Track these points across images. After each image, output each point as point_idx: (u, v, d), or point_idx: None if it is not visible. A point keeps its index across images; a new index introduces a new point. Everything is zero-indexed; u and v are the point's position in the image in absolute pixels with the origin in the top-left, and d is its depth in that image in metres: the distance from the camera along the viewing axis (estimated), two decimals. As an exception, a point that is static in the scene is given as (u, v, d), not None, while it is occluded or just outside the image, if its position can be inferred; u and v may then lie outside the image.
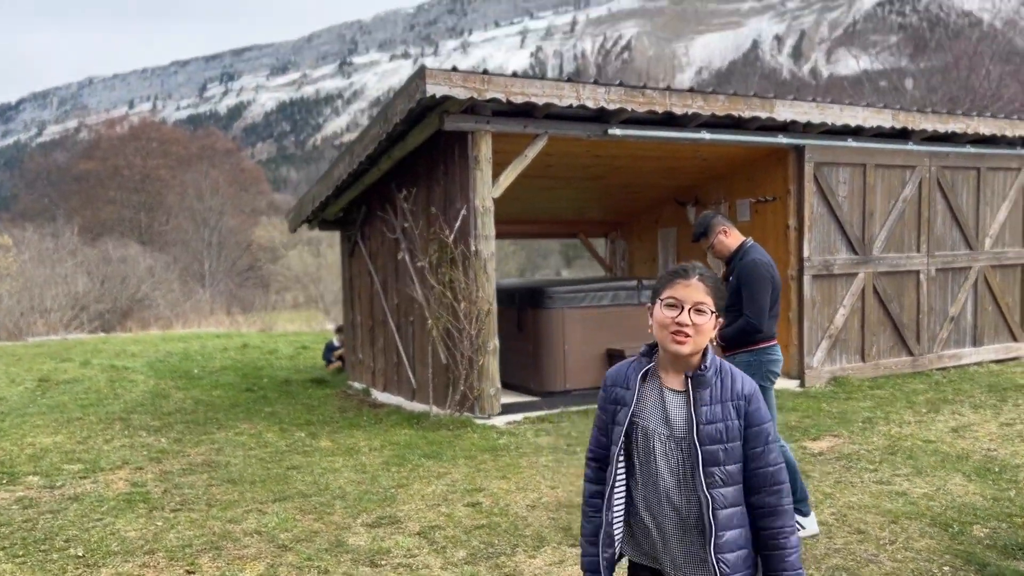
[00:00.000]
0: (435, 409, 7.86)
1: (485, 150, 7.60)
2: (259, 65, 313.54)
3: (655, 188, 11.00)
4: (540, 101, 7.38)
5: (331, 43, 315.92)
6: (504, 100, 7.23)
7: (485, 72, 7.17)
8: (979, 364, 10.66)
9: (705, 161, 9.86)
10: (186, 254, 50.99)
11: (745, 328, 4.69)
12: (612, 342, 8.97)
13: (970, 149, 10.44)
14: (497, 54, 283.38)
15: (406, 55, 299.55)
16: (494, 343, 7.66)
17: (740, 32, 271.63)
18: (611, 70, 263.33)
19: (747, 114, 8.51)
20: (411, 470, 6.29)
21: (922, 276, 10.20)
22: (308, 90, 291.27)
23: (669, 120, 8.44)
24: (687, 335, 2.11)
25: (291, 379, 10.52)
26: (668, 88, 8.14)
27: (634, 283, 9.15)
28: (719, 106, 8.35)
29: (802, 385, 9.33)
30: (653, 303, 2.20)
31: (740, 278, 4.73)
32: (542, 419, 7.79)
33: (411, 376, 8.74)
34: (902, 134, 9.91)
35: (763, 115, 8.63)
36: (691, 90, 8.27)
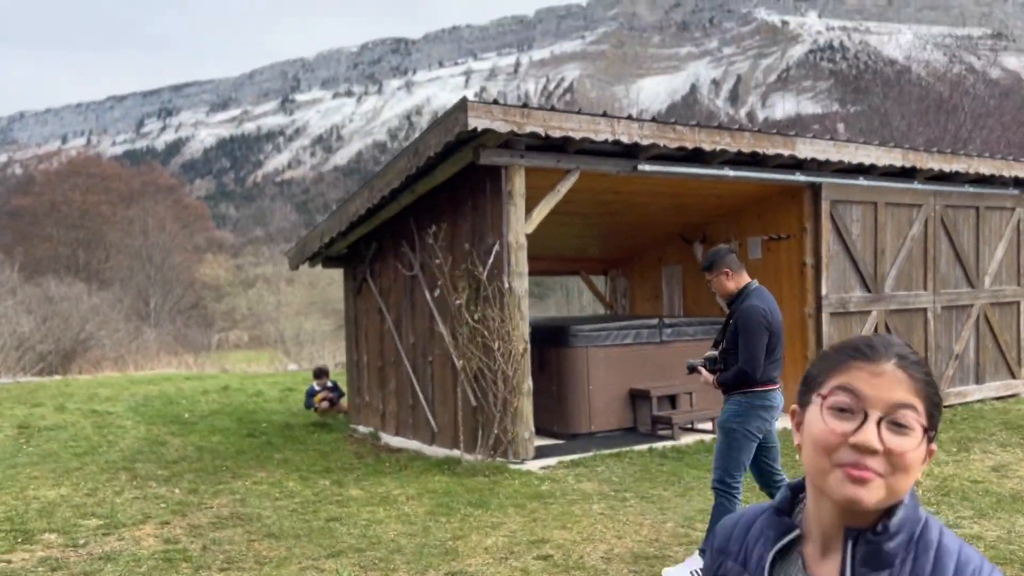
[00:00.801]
0: (465, 455, 7.52)
1: (519, 185, 7.39)
2: (199, 101, 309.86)
3: (661, 225, 10.91)
4: (577, 135, 7.21)
5: (273, 80, 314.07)
6: (543, 134, 7.04)
7: (524, 105, 6.99)
8: (982, 401, 10.72)
9: (719, 199, 9.81)
10: (130, 292, 49.49)
11: (739, 376, 4.68)
12: (635, 382, 8.76)
13: (968, 188, 10.59)
14: (441, 94, 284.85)
15: (349, 93, 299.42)
16: (528, 384, 7.39)
17: (679, 76, 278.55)
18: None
19: (771, 151, 8.47)
20: (461, 520, 5.95)
21: (929, 314, 10.25)
22: (249, 127, 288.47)
23: (693, 156, 8.35)
24: (874, 472, 1.10)
25: (291, 423, 10.04)
26: (697, 124, 8.06)
27: (655, 321, 8.97)
28: (745, 143, 8.29)
29: (821, 424, 9.20)
30: (804, 400, 1.21)
31: (738, 323, 4.73)
32: (576, 463, 7.51)
33: (431, 419, 8.38)
34: (906, 173, 9.99)
35: (785, 152, 8.60)
36: (719, 126, 8.20)
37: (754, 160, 8.77)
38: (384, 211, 8.55)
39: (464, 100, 6.74)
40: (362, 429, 9.74)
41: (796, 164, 9.14)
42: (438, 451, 8.25)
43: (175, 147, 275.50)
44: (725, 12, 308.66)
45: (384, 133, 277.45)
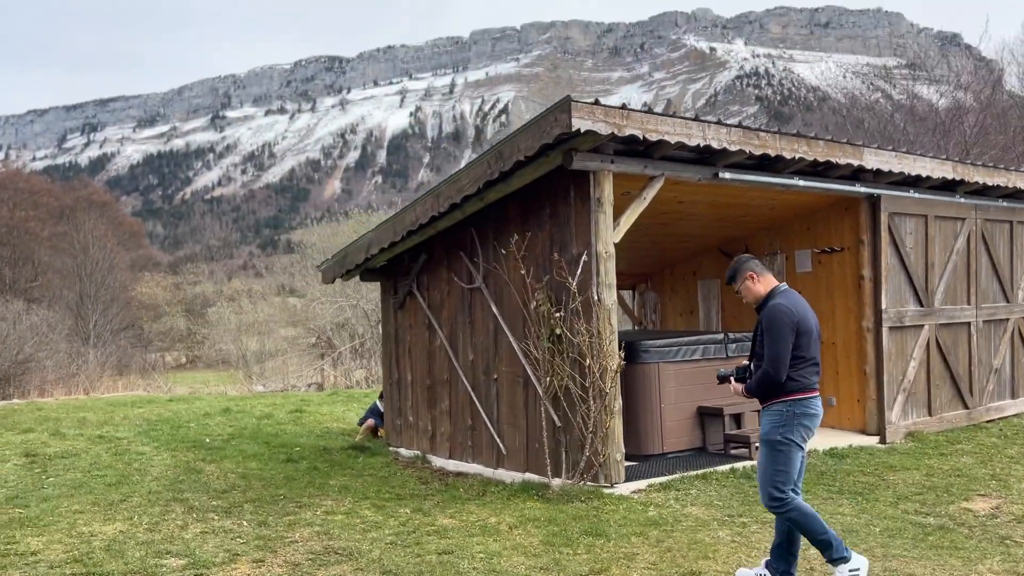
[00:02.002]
0: (553, 479, 7.03)
1: (608, 191, 7.00)
2: (125, 116, 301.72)
3: (701, 237, 10.63)
4: (672, 140, 6.86)
5: (203, 96, 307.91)
6: (641, 137, 6.67)
7: (623, 107, 6.61)
8: (1018, 415, 10.69)
9: (772, 210, 9.57)
10: (63, 312, 47.40)
11: (763, 379, 4.49)
12: (703, 400, 8.41)
13: (1002, 203, 10.59)
14: (376, 112, 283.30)
15: (282, 110, 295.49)
16: (619, 403, 6.96)
17: (611, 99, 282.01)
18: (489, 131, 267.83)
19: (842, 160, 8.27)
20: (588, 551, 5.48)
21: (972, 328, 10.17)
22: (178, 143, 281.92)
23: (759, 165, 8.09)
24: None
25: (325, 447, 9.39)
26: (778, 131, 7.80)
27: (721, 336, 8.65)
28: (820, 151, 8.06)
29: (883, 441, 9.00)
30: None
31: (762, 324, 4.59)
32: (666, 486, 7.10)
33: (498, 441, 7.87)
34: (945, 187, 9.91)
35: (855, 162, 8.40)
36: (796, 134, 7.95)
37: (814, 170, 8.55)
38: (442, 220, 8.05)
39: (568, 99, 6.34)
40: (405, 452, 9.16)
41: (851, 175, 8.95)
42: (506, 475, 7.74)
43: (100, 163, 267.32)
44: (655, 38, 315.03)
45: (318, 151, 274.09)
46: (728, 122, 7.40)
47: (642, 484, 7.11)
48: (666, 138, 6.81)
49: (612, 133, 6.50)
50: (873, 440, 9.01)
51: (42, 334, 35.31)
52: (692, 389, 8.32)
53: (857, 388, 9.38)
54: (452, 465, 8.42)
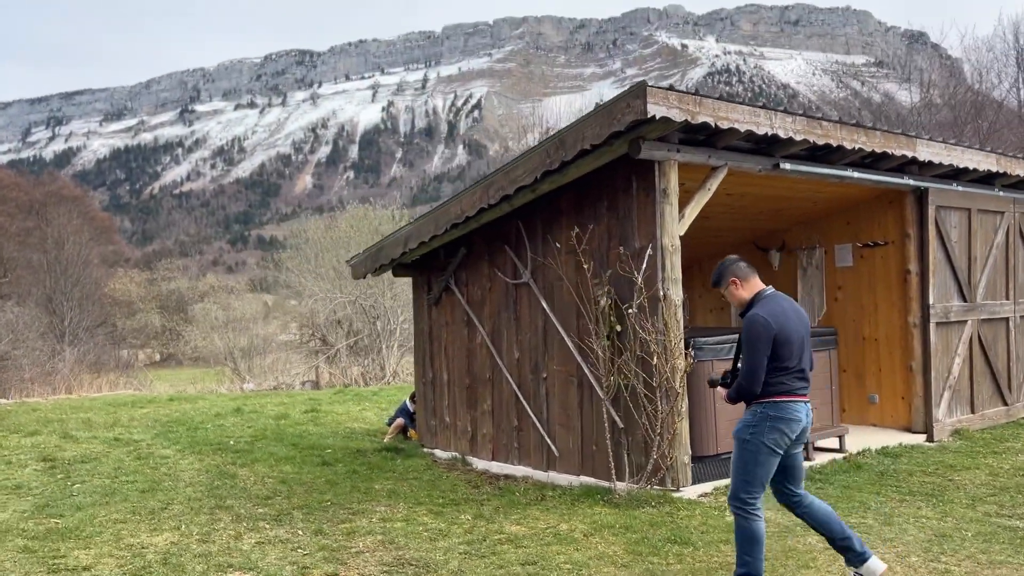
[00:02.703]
0: (617, 483, 6.73)
1: (674, 182, 6.71)
2: (92, 110, 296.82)
3: (734, 231, 10.38)
4: (743, 128, 6.58)
5: (171, 90, 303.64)
6: (713, 125, 6.38)
7: (697, 93, 6.32)
8: (1052, 413, 10.57)
9: (815, 203, 9.35)
10: (33, 308, 46.34)
11: (739, 390, 4.49)
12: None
13: (1035, 197, 10.45)
14: (348, 107, 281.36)
15: (252, 104, 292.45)
16: (686, 404, 6.68)
17: (584, 95, 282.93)
18: (462, 127, 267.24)
19: (897, 151, 8.04)
20: (680, 561, 5.19)
21: (1011, 323, 10.02)
22: (146, 137, 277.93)
23: (814, 156, 7.84)
24: None
25: (357, 448, 9.02)
26: (839, 121, 7.55)
27: (771, 333, 8.38)
28: (877, 142, 7.83)
29: (930, 440, 8.80)
30: None
31: (741, 334, 4.53)
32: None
33: (549, 443, 7.56)
34: (984, 180, 9.75)
35: (909, 153, 8.19)
36: (856, 124, 7.71)
37: (861, 162, 8.32)
38: (487, 213, 7.71)
39: (643, 84, 6.03)
40: (441, 453, 8.82)
41: (897, 167, 8.74)
42: (559, 478, 7.43)
43: (65, 157, 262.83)
44: (628, 34, 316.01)
45: (288, 145, 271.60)
46: (793, 111, 7.13)
47: (707, 487, 6.84)
48: (736, 126, 6.53)
49: (685, 120, 6.21)
50: (920, 438, 8.81)
51: (17, 332, 34.43)
52: (744, 387, 8.05)
53: (901, 385, 9.19)
54: (496, 467, 8.10)
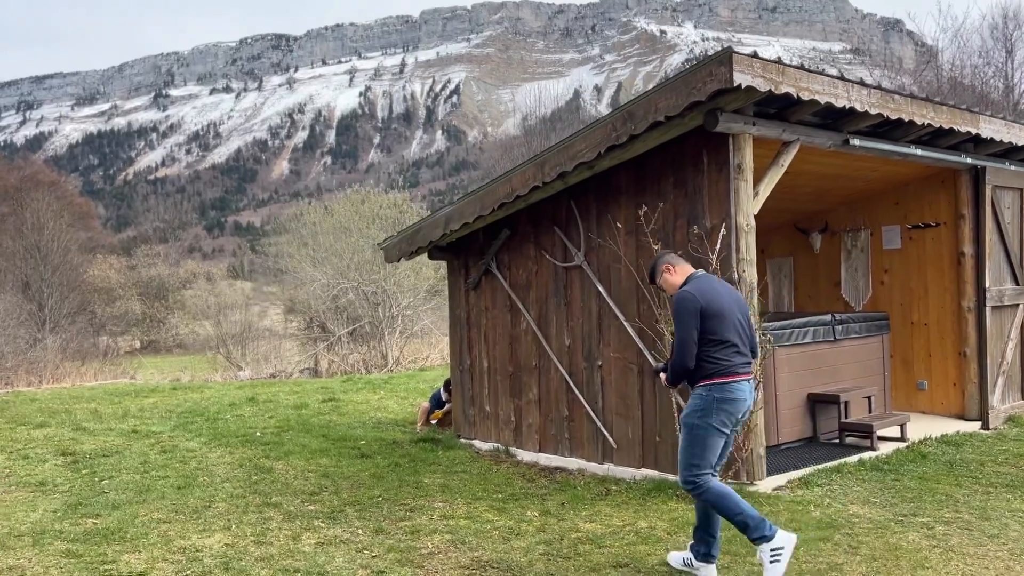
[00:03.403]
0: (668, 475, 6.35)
1: (749, 157, 6.32)
2: (63, 94, 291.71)
3: (776, 212, 9.96)
4: (823, 100, 6.20)
5: (145, 74, 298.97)
6: (795, 96, 6.00)
7: (779, 61, 5.93)
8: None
9: (867, 183, 9.01)
10: (18, 296, 45.35)
11: (672, 367, 4.53)
12: (814, 386, 7.83)
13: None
14: (325, 92, 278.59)
15: (228, 89, 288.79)
16: (761, 393, 6.31)
17: (562, 81, 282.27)
18: (441, 112, 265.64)
19: (962, 128, 7.70)
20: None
21: (1057, 307, 9.76)
22: (119, 122, 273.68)
23: (876, 132, 7.49)
24: None
25: (392, 439, 8.59)
26: (910, 95, 7.20)
27: (828, 318, 8.06)
28: (944, 118, 7.48)
29: (986, 427, 8.52)
30: None
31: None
32: (805, 482, 6.50)
33: (605, 434, 7.18)
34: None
35: (973, 130, 7.85)
36: (925, 99, 7.36)
37: (920, 139, 7.98)
38: (536, 192, 7.29)
39: (730, 51, 5.63)
40: (480, 444, 8.42)
41: (953, 145, 8.41)
42: (618, 471, 7.06)
43: (36, 142, 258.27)
44: (606, 20, 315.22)
45: (265, 131, 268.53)
46: (866, 83, 6.76)
47: (779, 480, 6.50)
48: (817, 98, 6.15)
49: (769, 91, 5.82)
50: (974, 426, 8.53)
51: (-1, 319, 33.60)
52: (803, 375, 7.74)
53: (953, 371, 8.90)
54: (544, 459, 7.71)
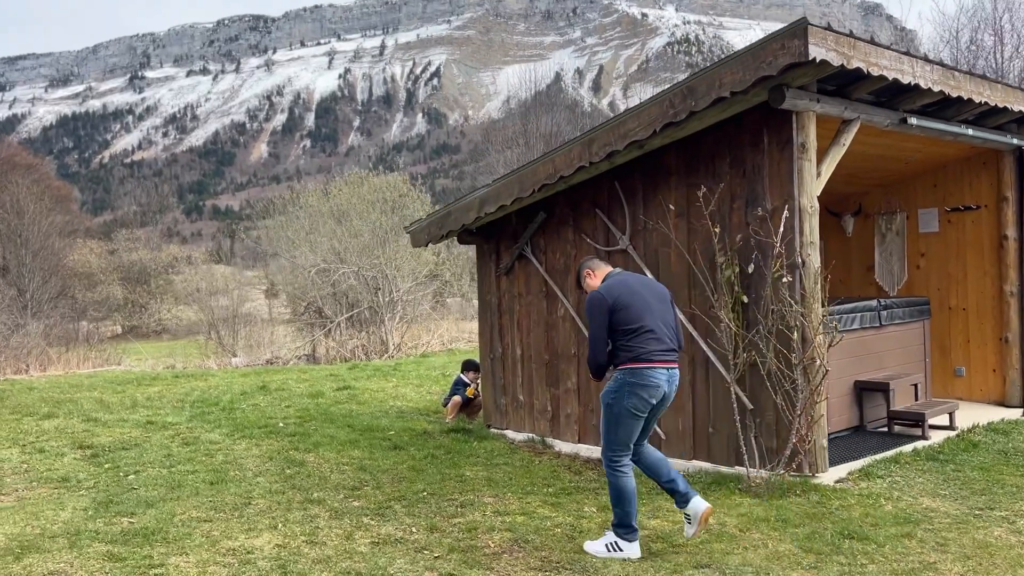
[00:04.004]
0: (750, 470, 6.11)
1: (812, 135, 6.05)
2: (36, 75, 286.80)
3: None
4: (890, 75, 5.94)
5: (120, 55, 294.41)
6: (865, 71, 5.73)
7: (851, 34, 5.65)
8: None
9: (907, 164, 8.77)
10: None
11: (588, 361, 4.85)
12: (860, 373, 7.61)
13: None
14: (304, 74, 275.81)
15: (205, 71, 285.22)
16: (825, 382, 6.07)
17: (544, 64, 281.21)
18: (421, 94, 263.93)
19: (1015, 107, 7.47)
20: (868, 559, 4.60)
21: (1092, 292, 9.59)
22: (94, 104, 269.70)
23: (926, 111, 7.24)
24: None
25: (420, 430, 8.30)
26: (968, 72, 6.94)
27: (875, 303, 7.84)
28: (999, 96, 7.24)
29: (1027, 414, 8.35)
30: None
31: None
32: (865, 473, 6.27)
33: (654, 426, 6.90)
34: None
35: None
36: (982, 76, 7.11)
37: (968, 119, 7.75)
38: (580, 173, 6.98)
39: (804, 22, 5.33)
40: (513, 434, 8.15)
41: (998, 125, 8.18)
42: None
43: (9, 124, 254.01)
44: (588, 3, 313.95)
45: (243, 113, 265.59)
46: (930, 58, 6.50)
47: (839, 471, 6.27)
48: (885, 73, 5.88)
49: (841, 65, 5.54)
50: (1016, 413, 8.35)
51: (-21, 304, 32.94)
52: (850, 362, 7.50)
53: (993, 357, 8.71)
54: (585, 450, 7.45)
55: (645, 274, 6.94)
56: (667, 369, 4.72)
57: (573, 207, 7.56)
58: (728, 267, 6.25)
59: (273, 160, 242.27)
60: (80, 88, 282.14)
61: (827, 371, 5.88)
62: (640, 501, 5.87)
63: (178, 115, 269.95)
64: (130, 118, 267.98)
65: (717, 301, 6.27)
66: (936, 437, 7.30)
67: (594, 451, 7.39)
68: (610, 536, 4.79)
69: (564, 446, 7.62)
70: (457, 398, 8.92)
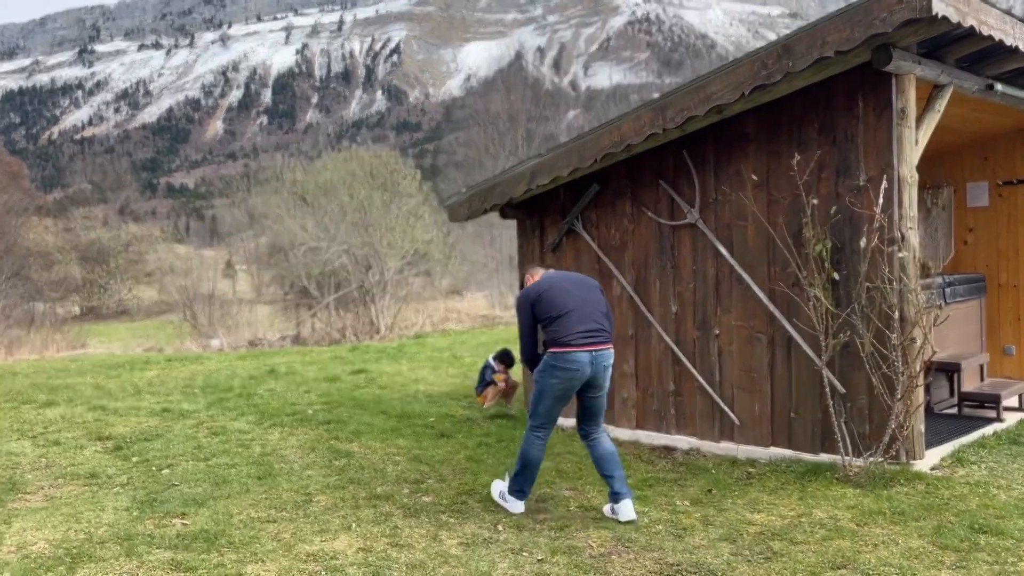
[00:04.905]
0: (844, 457, 5.73)
1: (912, 100, 5.65)
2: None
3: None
4: (997, 36, 5.54)
5: (69, 28, 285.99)
6: (977, 30, 5.33)
7: (965, -12, 5.23)
8: None
9: (961, 135, 8.43)
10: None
11: (521, 357, 5.35)
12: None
13: None
14: (260, 49, 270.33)
15: (157, 45, 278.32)
16: (917, 366, 5.70)
17: (505, 42, 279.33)
18: (381, 71, 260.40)
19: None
20: (1020, 558, 4.25)
21: None
22: (42, 79, 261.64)
23: (1006, 78, 6.88)
24: None
25: (461, 416, 7.81)
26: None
27: (939, 280, 7.50)
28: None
29: (1082, 396, 8.11)
30: None
31: None
32: (958, 459, 5.95)
33: (725, 409, 6.50)
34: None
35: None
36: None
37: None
38: (650, 141, 6.50)
39: (927, -27, 4.90)
40: (561, 420, 7.66)
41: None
42: (739, 450, 6.41)
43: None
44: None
45: (197, 89, 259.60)
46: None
47: (932, 457, 5.93)
48: (993, 34, 5.49)
49: (958, 23, 5.12)
50: (1067, 395, 8.11)
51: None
52: (920, 341, 7.16)
53: (1042, 334, 8.46)
54: (645, 437, 7.02)
55: (718, 251, 6.51)
56: (590, 352, 4.94)
57: (632, 179, 7.08)
58: (819, 242, 5.83)
59: (229, 137, 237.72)
60: (27, 62, 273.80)
61: (934, 351, 5.51)
62: (729, 491, 5.48)
63: (130, 90, 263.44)
64: (80, 93, 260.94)
65: (806, 278, 5.86)
66: (1012, 420, 7.01)
67: (655, 437, 6.98)
68: (504, 487, 5.25)
69: (621, 433, 7.18)
70: (501, 385, 8.42)
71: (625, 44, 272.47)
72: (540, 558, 4.39)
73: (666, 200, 6.86)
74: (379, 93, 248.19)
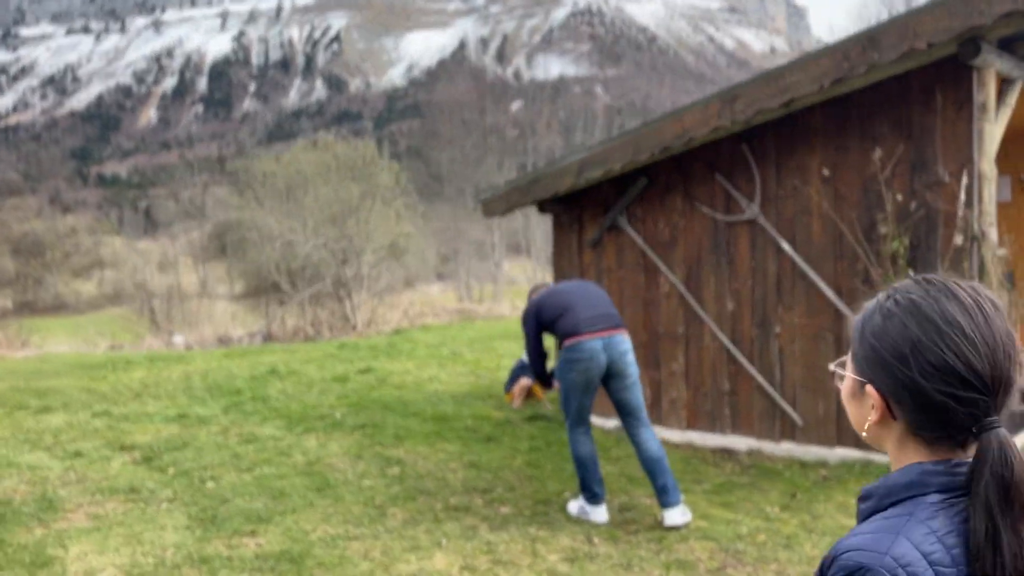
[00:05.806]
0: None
1: (993, 94, 5.54)
2: None
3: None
4: (1077, 31, 5.46)
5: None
6: (1065, 23, 5.23)
7: (1058, -19, 5.12)
8: None
9: (990, 132, 8.42)
10: None
11: (530, 366, 5.42)
12: (973, 349, 7.23)
13: None
14: (195, 35, 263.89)
15: (87, 30, 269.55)
16: None
17: (447, 32, 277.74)
18: (321, 60, 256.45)
19: None
20: None
21: None
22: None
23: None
24: None
25: (508, 419, 7.50)
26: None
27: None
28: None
29: (1108, 389, 8.20)
30: None
31: None
32: None
33: (787, 410, 6.34)
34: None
35: None
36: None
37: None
38: (713, 134, 6.30)
39: (1034, -37, 4.77)
40: (600, 421, 7.45)
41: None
42: (801, 450, 6.27)
43: None
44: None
45: (129, 76, 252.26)
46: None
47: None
48: (1074, 28, 5.40)
49: (1050, 16, 5.02)
50: (1096, 388, 8.19)
51: None
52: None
53: (1069, 331, 8.52)
54: (698, 438, 6.83)
55: (779, 246, 6.34)
56: (602, 339, 4.87)
57: (683, 172, 6.87)
58: (895, 238, 5.70)
59: (163, 126, 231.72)
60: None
61: (1022, 352, 5.41)
62: (813, 496, 5.32)
63: (57, 76, 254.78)
64: (3, 78, 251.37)
65: (881, 277, 5.72)
66: (1054, 416, 7.00)
67: (709, 438, 6.80)
68: (580, 502, 5.04)
69: (670, 434, 6.98)
70: (527, 381, 8.14)
71: (567, 36, 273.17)
72: (656, 575, 4.16)
73: (722, 194, 6.66)
74: (319, 82, 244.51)
